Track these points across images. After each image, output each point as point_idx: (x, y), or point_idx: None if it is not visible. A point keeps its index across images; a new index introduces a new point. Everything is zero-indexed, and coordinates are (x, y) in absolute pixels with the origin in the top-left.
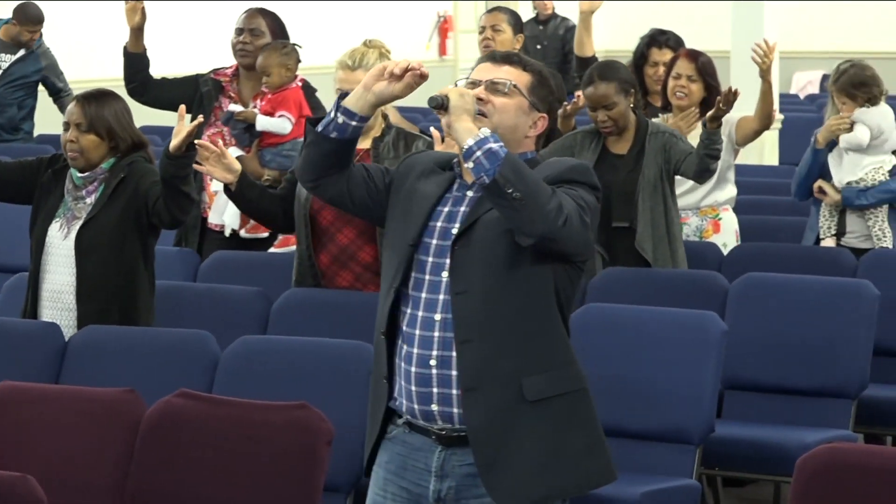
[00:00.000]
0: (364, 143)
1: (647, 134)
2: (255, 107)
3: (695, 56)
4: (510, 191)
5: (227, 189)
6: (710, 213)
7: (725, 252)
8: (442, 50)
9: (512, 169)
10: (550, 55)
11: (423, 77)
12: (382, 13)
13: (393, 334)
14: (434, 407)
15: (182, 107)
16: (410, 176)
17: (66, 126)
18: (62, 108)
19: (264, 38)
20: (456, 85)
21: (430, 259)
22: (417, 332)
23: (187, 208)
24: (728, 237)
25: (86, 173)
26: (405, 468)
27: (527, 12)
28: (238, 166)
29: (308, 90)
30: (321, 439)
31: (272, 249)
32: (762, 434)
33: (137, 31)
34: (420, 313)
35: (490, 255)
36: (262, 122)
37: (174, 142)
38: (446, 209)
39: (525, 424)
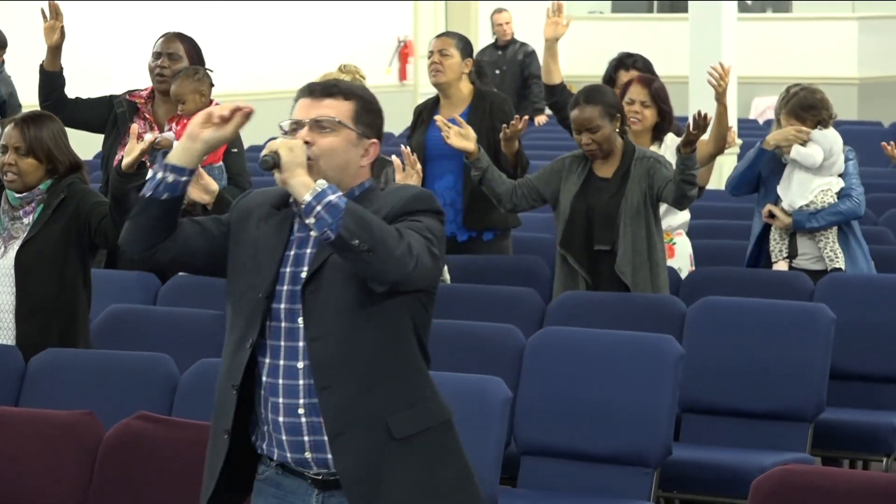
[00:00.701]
0: None
1: (632, 158)
2: (169, 129)
3: (648, 82)
4: (356, 243)
5: (203, 209)
6: (665, 238)
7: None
8: (402, 75)
9: (354, 220)
10: (509, 80)
11: (249, 116)
12: (343, 38)
13: (246, 386)
14: (308, 455)
15: (134, 125)
16: (249, 223)
17: (4, 149)
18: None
19: (182, 62)
20: (280, 128)
21: (284, 305)
22: (281, 381)
23: None
24: (682, 261)
25: (23, 194)
26: None
27: (486, 37)
28: (215, 186)
29: None
30: None
31: None
32: (719, 457)
33: (55, 50)
34: (282, 362)
35: (341, 297)
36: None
37: (126, 159)
38: (293, 252)
39: (396, 463)
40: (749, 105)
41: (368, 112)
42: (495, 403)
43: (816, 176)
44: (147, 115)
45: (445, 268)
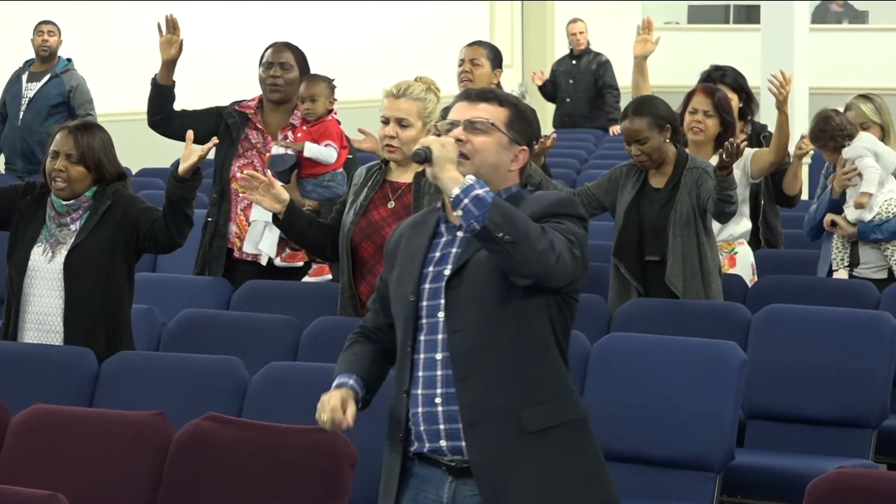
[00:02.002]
0: (406, 177)
1: (684, 169)
2: (283, 138)
3: (711, 91)
4: (500, 235)
5: (275, 218)
6: (726, 248)
7: None
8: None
9: (500, 213)
10: (582, 89)
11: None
12: (419, 47)
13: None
14: (443, 443)
15: (190, 132)
16: (398, 251)
17: (55, 155)
18: None
19: (293, 71)
20: (435, 128)
21: (426, 302)
22: (421, 373)
23: (186, 231)
24: (744, 271)
25: (69, 201)
26: (417, 500)
27: (562, 47)
28: (286, 196)
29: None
30: (344, 462)
31: (306, 278)
32: (782, 463)
33: (170, 64)
34: (422, 355)
35: (482, 292)
36: (311, 149)
37: (183, 165)
38: (437, 254)
39: (527, 455)
40: None
41: (521, 119)
42: None
43: (879, 193)
44: (259, 125)
45: None
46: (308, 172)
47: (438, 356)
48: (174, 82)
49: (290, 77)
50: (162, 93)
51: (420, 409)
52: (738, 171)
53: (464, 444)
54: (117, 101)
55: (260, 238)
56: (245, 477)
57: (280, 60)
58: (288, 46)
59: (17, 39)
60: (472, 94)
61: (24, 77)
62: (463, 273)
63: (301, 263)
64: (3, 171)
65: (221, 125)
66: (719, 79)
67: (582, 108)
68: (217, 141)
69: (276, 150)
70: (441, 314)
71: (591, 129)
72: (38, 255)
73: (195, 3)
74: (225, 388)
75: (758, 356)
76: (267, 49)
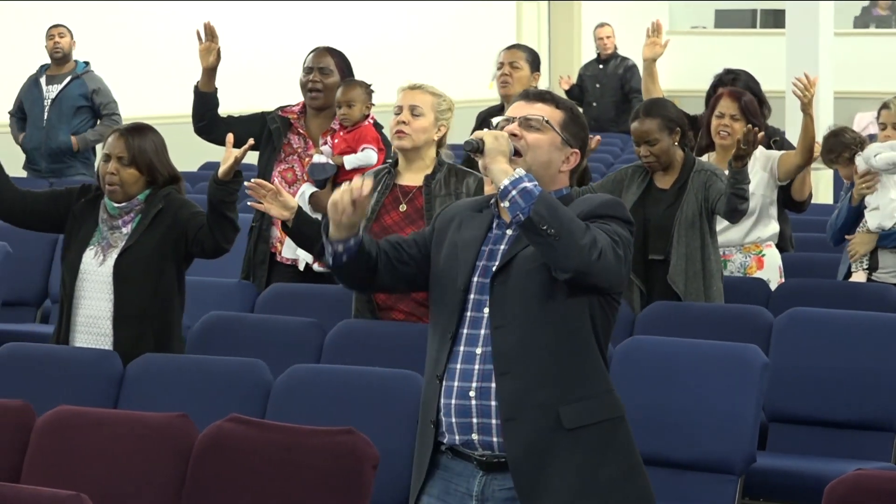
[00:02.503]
0: (416, 180)
1: (691, 171)
2: (323, 143)
3: (738, 95)
4: (545, 227)
5: (283, 225)
6: (754, 250)
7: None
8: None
9: (546, 206)
10: (609, 94)
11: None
12: (446, 53)
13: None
14: (474, 436)
15: (230, 135)
16: (450, 228)
17: (107, 158)
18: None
19: (333, 76)
20: (494, 126)
21: (473, 296)
22: (459, 366)
23: (231, 236)
24: (771, 273)
25: (121, 204)
26: (447, 492)
27: (589, 51)
28: (294, 203)
29: (377, 126)
30: (367, 464)
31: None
32: (804, 466)
33: (210, 72)
34: (462, 348)
35: (527, 289)
36: (351, 161)
37: (222, 167)
38: (488, 248)
39: (563, 452)
40: (852, 120)
41: (575, 123)
42: None
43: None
44: (301, 130)
45: None
46: (344, 178)
47: (479, 350)
48: (216, 89)
49: (329, 82)
50: (204, 100)
51: (453, 401)
52: (765, 173)
53: (495, 439)
54: (137, 105)
55: None
56: (267, 478)
57: (320, 66)
58: (329, 51)
59: (32, 43)
60: (530, 94)
61: (42, 80)
62: (508, 270)
63: None
64: (24, 172)
65: (264, 130)
66: (730, 82)
67: (608, 113)
68: (252, 143)
69: (318, 158)
70: (486, 309)
71: (617, 133)
72: (89, 258)
73: (239, 8)
74: (248, 390)
75: (780, 359)
76: (309, 54)
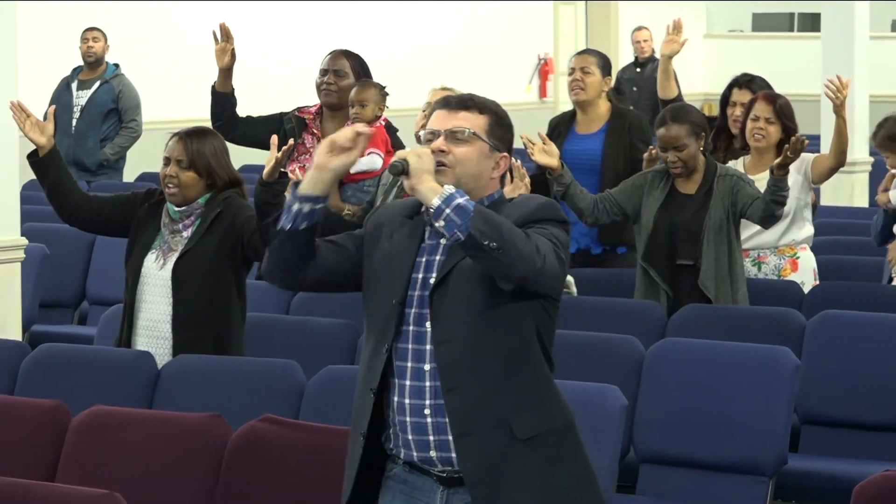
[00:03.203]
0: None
1: (715, 176)
2: None
3: (773, 98)
4: (486, 242)
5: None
6: (788, 252)
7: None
8: (542, 92)
9: (484, 220)
10: (645, 97)
11: (370, 137)
12: (484, 56)
13: (380, 389)
14: (433, 453)
15: (274, 136)
16: (382, 235)
17: (167, 161)
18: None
19: (348, 78)
20: (417, 138)
21: (413, 310)
22: (408, 382)
23: None
24: (806, 276)
25: (182, 207)
26: None
27: (626, 55)
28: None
29: (390, 129)
30: None
31: None
32: (835, 467)
33: (226, 72)
34: (409, 364)
35: (468, 301)
36: (356, 166)
37: (266, 169)
38: (423, 259)
39: (518, 463)
40: None
41: (501, 126)
42: (611, 411)
43: None
44: (315, 131)
45: (572, 280)
46: (350, 178)
47: (426, 367)
48: (233, 89)
49: (343, 84)
50: (221, 100)
51: (408, 419)
52: (799, 175)
53: (453, 454)
54: (163, 108)
55: None
56: (299, 477)
57: (335, 68)
58: (345, 54)
59: (67, 45)
60: (451, 102)
61: (74, 85)
62: (448, 282)
63: None
64: None
65: (281, 130)
66: (745, 84)
67: (645, 116)
68: (293, 143)
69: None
70: (428, 324)
71: (653, 136)
72: (150, 261)
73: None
74: (282, 391)
75: (812, 362)
76: (326, 56)
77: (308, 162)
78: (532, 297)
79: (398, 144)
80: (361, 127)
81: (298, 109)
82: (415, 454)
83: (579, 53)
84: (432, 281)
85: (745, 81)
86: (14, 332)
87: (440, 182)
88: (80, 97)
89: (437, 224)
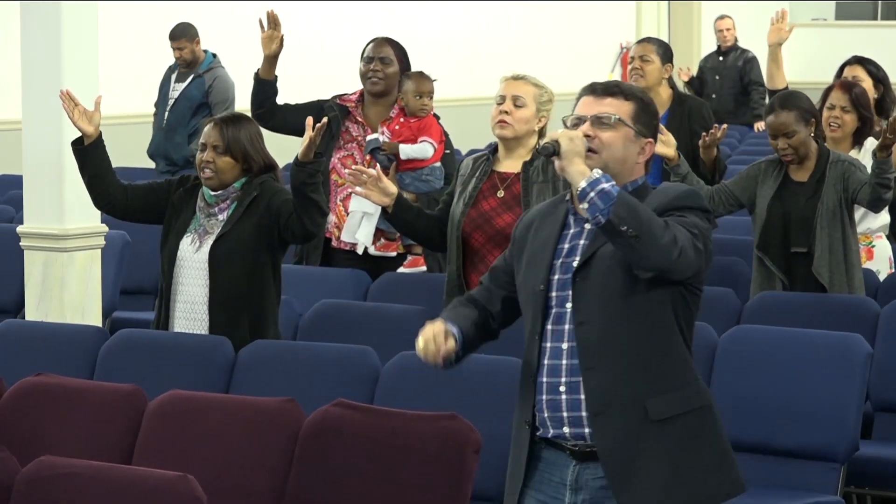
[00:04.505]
0: (514, 167)
1: (827, 162)
2: (382, 132)
3: (849, 87)
4: (625, 228)
5: (384, 211)
6: (864, 241)
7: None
8: (624, 79)
9: (625, 207)
10: (728, 85)
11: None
12: (566, 43)
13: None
14: (566, 430)
15: (309, 118)
16: (529, 235)
17: (203, 147)
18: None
19: (393, 66)
20: (564, 123)
21: (555, 293)
22: (546, 361)
23: (318, 219)
24: (881, 264)
25: (218, 192)
26: (542, 482)
27: (709, 43)
28: (394, 189)
29: (437, 118)
30: (469, 448)
31: (401, 269)
32: None
33: (272, 59)
34: (548, 344)
35: (608, 285)
36: (406, 151)
37: (301, 149)
38: (566, 245)
39: (652, 443)
40: None
41: (646, 112)
42: None
43: None
44: (359, 118)
45: None
46: (407, 166)
47: (564, 346)
48: (276, 77)
49: (389, 71)
50: (264, 87)
51: (544, 397)
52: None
53: (587, 430)
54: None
55: (357, 228)
56: (372, 461)
57: (380, 55)
58: (388, 42)
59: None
60: (597, 89)
61: (173, 77)
62: (590, 265)
63: (395, 253)
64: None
65: (321, 118)
66: (856, 62)
67: (727, 105)
68: (326, 121)
69: (373, 137)
70: (569, 305)
71: (736, 125)
72: (186, 244)
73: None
74: (357, 377)
75: (886, 349)
76: (368, 44)
77: (355, 150)
78: (671, 285)
79: (446, 138)
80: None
81: (339, 97)
82: (550, 431)
83: (639, 42)
84: (575, 263)
85: (856, 59)
86: (94, 319)
87: (588, 166)
88: (175, 90)
89: (581, 206)
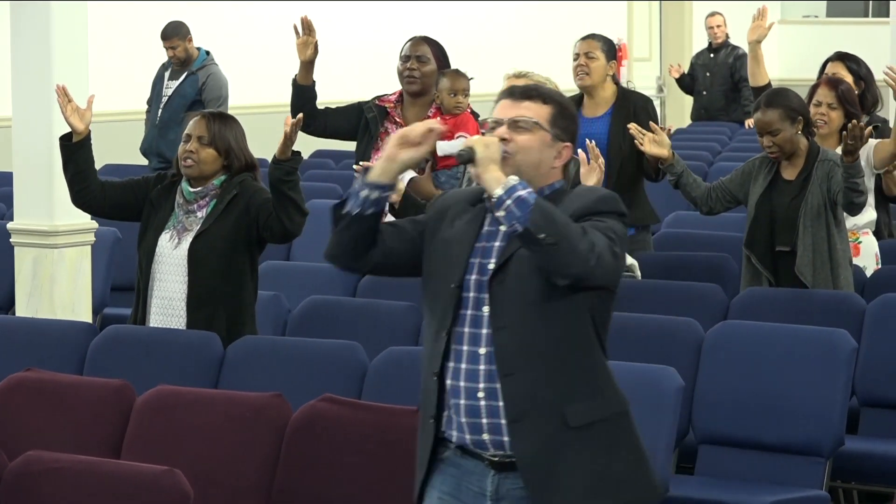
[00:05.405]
0: None
1: (815, 161)
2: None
3: (835, 84)
4: (542, 236)
5: (391, 208)
6: (851, 237)
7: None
8: (617, 76)
9: (542, 214)
10: (719, 82)
11: (441, 134)
12: (557, 41)
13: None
14: (485, 436)
15: (288, 116)
16: (444, 221)
17: (188, 138)
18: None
19: (430, 64)
20: (481, 128)
21: (472, 294)
22: (464, 365)
23: (296, 218)
24: (868, 260)
25: (197, 188)
26: (460, 490)
27: (700, 40)
28: (402, 187)
29: (475, 116)
30: None
31: None
32: (893, 449)
33: (308, 65)
34: (465, 348)
35: (526, 289)
36: (443, 147)
37: (278, 147)
38: (482, 245)
39: (571, 450)
40: None
41: (564, 116)
42: (668, 392)
43: None
44: (398, 119)
45: (636, 264)
46: (443, 164)
47: (482, 350)
48: (314, 82)
49: (426, 70)
50: (302, 93)
51: (462, 401)
52: (861, 161)
53: (506, 438)
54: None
55: None
56: (359, 456)
57: (417, 54)
58: (426, 40)
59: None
60: (515, 92)
61: (167, 74)
62: (507, 269)
63: None
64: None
65: (361, 120)
66: (838, 58)
67: (718, 102)
68: (301, 118)
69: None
70: (486, 308)
71: (727, 122)
72: (165, 241)
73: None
74: (345, 372)
75: (872, 345)
76: (406, 43)
77: None
78: (587, 290)
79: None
80: (434, 123)
81: (378, 98)
82: (467, 437)
83: (583, 38)
84: (490, 266)
85: (838, 56)
86: (85, 315)
87: (503, 171)
88: (169, 87)
89: (497, 213)
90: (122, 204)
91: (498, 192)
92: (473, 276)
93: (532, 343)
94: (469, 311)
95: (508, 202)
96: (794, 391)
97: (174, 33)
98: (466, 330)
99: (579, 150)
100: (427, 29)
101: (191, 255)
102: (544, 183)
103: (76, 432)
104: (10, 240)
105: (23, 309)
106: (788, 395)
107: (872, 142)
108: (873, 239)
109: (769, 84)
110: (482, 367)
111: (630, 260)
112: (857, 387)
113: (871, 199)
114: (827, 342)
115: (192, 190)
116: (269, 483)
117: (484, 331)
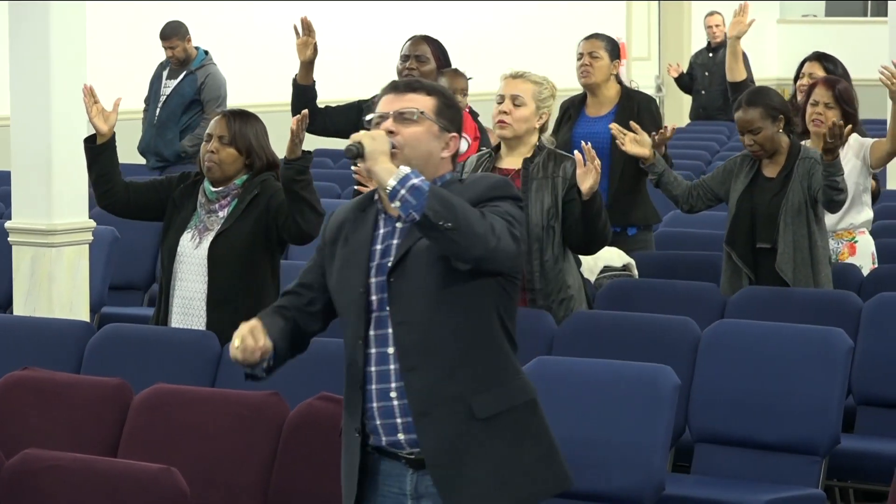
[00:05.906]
0: (515, 164)
1: (797, 159)
2: None
3: (832, 83)
4: (441, 222)
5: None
6: (846, 236)
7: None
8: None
9: (439, 201)
10: (717, 82)
11: None
12: (557, 41)
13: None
14: (400, 436)
15: (294, 117)
16: (340, 235)
17: (209, 138)
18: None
19: (429, 64)
20: (365, 123)
21: (375, 297)
22: (374, 368)
23: (311, 218)
24: (864, 260)
25: (219, 188)
26: (381, 495)
27: (699, 39)
28: None
29: (473, 114)
30: None
31: None
32: (890, 447)
33: (308, 65)
34: (373, 350)
35: (425, 282)
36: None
37: (287, 146)
38: (379, 246)
39: (479, 442)
40: None
41: (449, 107)
42: (664, 391)
43: None
44: None
45: (633, 263)
46: None
47: (390, 350)
48: (314, 81)
49: (425, 69)
50: (303, 93)
51: (375, 404)
52: (857, 160)
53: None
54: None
55: None
56: None
57: (416, 53)
58: (426, 40)
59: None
60: (399, 86)
61: (165, 74)
62: (405, 263)
63: None
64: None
65: (361, 118)
66: (815, 58)
67: (716, 101)
68: (306, 114)
69: None
70: (388, 308)
71: (725, 121)
72: (186, 240)
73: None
74: (341, 370)
75: (869, 344)
76: (405, 42)
77: None
78: (489, 276)
79: (481, 130)
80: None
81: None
82: (383, 439)
83: (587, 38)
84: (389, 264)
85: (818, 56)
86: (83, 314)
87: (394, 163)
88: (167, 87)
89: (392, 205)
90: (147, 205)
91: (391, 182)
92: (375, 279)
93: (433, 336)
94: (375, 314)
95: (403, 192)
96: (791, 390)
97: (173, 33)
98: (374, 332)
99: (576, 152)
100: (427, 29)
101: (210, 254)
102: (435, 174)
103: (74, 431)
104: (8, 238)
105: (21, 307)
106: (785, 393)
107: (869, 140)
108: (870, 238)
109: (746, 80)
110: (392, 366)
111: (627, 259)
112: (853, 386)
113: (867, 199)
114: (823, 341)
115: (213, 189)
116: (266, 481)
117: (389, 330)
